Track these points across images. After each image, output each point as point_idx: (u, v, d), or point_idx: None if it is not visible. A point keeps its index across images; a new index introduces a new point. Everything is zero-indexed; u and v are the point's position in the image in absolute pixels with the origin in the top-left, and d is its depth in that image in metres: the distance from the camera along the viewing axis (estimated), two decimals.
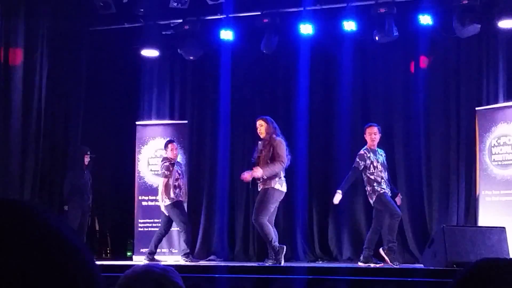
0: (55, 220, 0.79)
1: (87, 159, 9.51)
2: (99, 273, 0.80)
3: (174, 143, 9.49)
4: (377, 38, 9.43)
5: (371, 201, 8.49)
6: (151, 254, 9.14)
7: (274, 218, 8.20)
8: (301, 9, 9.79)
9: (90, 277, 0.78)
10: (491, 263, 1.19)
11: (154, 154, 10.40)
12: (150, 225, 10.14)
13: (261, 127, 8.18)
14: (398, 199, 8.60)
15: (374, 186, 8.41)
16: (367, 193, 8.57)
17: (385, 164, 8.58)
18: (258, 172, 7.98)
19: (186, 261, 8.98)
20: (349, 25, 9.54)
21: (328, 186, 10.21)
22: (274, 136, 8.12)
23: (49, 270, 0.74)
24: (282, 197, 8.22)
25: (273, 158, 8.02)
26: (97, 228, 10.92)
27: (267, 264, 7.93)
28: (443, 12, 9.37)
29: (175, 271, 1.94)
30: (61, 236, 0.78)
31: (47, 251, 0.75)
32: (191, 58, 10.29)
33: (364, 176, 8.51)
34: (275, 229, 8.15)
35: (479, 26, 9.04)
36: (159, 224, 9.52)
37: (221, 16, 10.10)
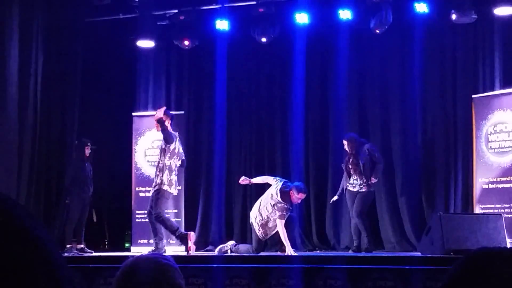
0: (15, 209, 0.78)
1: (87, 151, 9.50)
2: (62, 263, 0.79)
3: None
4: (373, 26, 9.42)
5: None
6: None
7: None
8: None
9: (51, 267, 0.77)
10: (490, 252, 1.19)
11: (151, 145, 10.38)
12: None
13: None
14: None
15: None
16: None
17: None
18: None
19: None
20: (345, 14, 9.52)
21: (325, 175, 10.24)
22: None
23: (3, 260, 0.73)
24: None
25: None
26: (94, 219, 10.92)
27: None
28: None
29: (174, 263, 1.94)
30: (19, 226, 0.77)
31: (2, 240, 0.74)
32: (187, 48, 10.26)
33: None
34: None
35: (475, 13, 9.02)
36: None
37: (217, 6, 10.07)
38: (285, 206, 8.25)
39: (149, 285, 1.83)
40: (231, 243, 8.81)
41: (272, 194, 8.36)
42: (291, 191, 8.27)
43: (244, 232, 10.36)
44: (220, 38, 9.99)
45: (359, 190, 9.01)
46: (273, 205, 8.30)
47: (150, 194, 9.04)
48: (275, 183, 8.45)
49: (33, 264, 0.76)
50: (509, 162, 8.83)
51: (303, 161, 10.24)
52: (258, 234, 8.49)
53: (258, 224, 8.47)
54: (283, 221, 8.24)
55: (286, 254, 8.11)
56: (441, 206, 9.47)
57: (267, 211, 8.37)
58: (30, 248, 0.76)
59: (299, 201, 8.54)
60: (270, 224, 8.41)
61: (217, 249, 8.75)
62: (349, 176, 9.10)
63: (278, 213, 8.24)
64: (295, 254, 8.21)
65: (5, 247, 0.74)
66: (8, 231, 0.75)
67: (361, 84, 10.31)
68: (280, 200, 8.25)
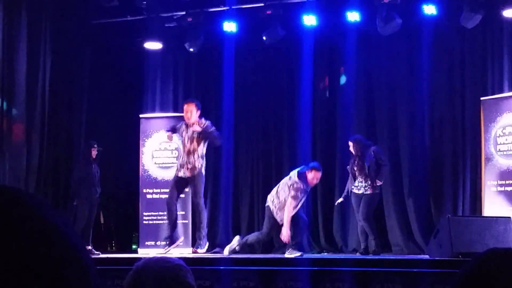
0: (50, 212, 0.76)
1: (94, 152, 9.51)
2: (93, 268, 0.78)
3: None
4: (380, 28, 9.40)
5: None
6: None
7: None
8: (305, 0, 9.76)
9: (83, 272, 0.75)
10: (499, 253, 1.18)
11: (158, 147, 10.39)
12: (155, 218, 10.14)
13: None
14: None
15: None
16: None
17: None
18: None
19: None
20: (353, 16, 9.51)
21: (332, 177, 10.21)
22: None
23: (39, 263, 0.71)
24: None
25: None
26: (102, 221, 10.94)
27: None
28: (447, 1, 9.33)
29: (186, 266, 1.93)
30: (55, 230, 0.75)
31: (39, 243, 0.72)
32: (194, 50, 10.26)
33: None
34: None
35: (484, 15, 8.99)
36: (164, 217, 9.54)
37: (224, 8, 10.07)
38: (301, 186, 8.28)
39: (161, 285, 1.83)
40: (237, 238, 8.75)
41: (290, 177, 8.43)
42: (307, 172, 8.31)
43: (251, 233, 10.34)
44: (227, 40, 9.99)
45: (364, 193, 8.99)
46: (290, 185, 8.32)
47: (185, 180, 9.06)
48: (293, 171, 8.51)
49: (68, 268, 0.74)
50: None
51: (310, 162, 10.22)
52: (276, 217, 8.47)
53: (275, 207, 8.46)
54: (294, 203, 8.26)
55: (282, 238, 8.19)
56: (449, 208, 9.43)
57: (284, 193, 8.39)
58: (64, 252, 0.74)
59: (315, 181, 8.51)
60: None
61: (226, 250, 8.71)
62: (354, 178, 9.08)
63: (292, 193, 8.25)
64: (292, 244, 8.26)
65: (38, 250, 0.72)
66: (40, 233, 0.73)
67: (369, 86, 10.28)
68: (297, 180, 8.28)
